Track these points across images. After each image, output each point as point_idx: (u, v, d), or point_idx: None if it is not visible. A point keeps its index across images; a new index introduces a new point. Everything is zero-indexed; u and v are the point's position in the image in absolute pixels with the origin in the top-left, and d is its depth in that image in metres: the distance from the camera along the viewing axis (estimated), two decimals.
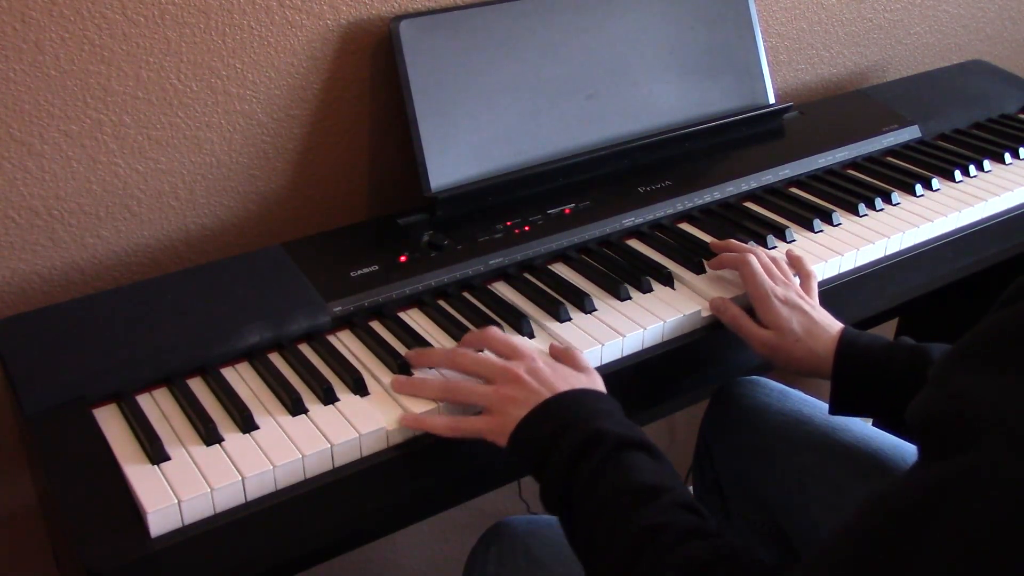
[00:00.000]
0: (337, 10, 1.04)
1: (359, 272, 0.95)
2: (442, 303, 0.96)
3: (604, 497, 0.69)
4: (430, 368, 0.86)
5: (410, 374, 0.85)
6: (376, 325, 0.92)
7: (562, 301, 0.95)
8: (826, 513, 1.01)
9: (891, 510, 0.50)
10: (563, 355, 0.85)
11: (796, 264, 0.99)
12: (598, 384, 0.82)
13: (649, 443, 0.73)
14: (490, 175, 1.08)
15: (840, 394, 0.89)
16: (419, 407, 0.81)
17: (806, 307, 0.92)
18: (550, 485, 0.73)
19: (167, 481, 0.73)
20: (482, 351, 0.85)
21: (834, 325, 0.91)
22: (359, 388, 0.83)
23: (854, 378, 0.88)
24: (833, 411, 0.91)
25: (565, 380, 0.79)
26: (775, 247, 1.06)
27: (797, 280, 0.98)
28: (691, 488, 1.22)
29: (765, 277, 0.94)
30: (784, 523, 1.06)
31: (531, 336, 0.91)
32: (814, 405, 1.10)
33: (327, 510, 0.78)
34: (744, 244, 1.03)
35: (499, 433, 0.77)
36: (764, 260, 0.97)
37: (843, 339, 0.89)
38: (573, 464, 0.71)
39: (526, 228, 1.04)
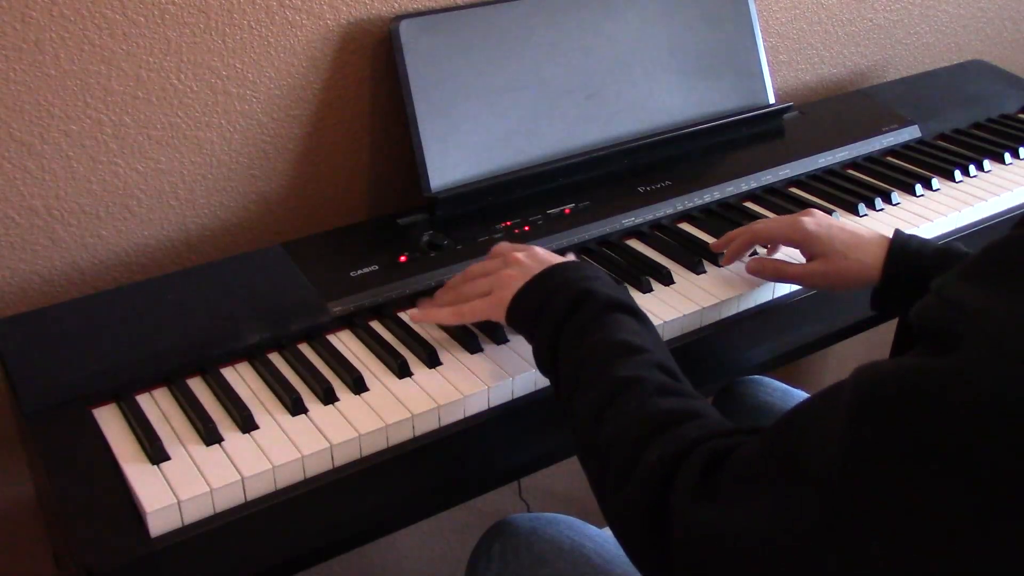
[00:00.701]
0: (337, 10, 1.04)
1: (359, 272, 0.95)
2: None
3: (587, 350, 0.72)
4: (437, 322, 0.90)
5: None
6: (376, 325, 0.92)
7: None
8: None
9: (881, 389, 0.52)
10: None
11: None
12: None
13: (636, 307, 0.76)
14: (490, 175, 1.08)
15: (884, 291, 0.89)
16: (423, 407, 0.81)
17: (839, 223, 0.94)
18: (541, 343, 0.76)
19: (167, 481, 0.73)
20: None
21: (875, 233, 0.92)
22: (359, 388, 0.83)
23: (902, 277, 0.88)
24: (874, 305, 0.91)
25: (560, 259, 0.83)
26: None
27: None
28: None
29: (782, 218, 0.95)
30: None
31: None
32: None
33: (327, 510, 0.78)
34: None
35: (498, 309, 0.82)
36: (767, 219, 0.99)
37: (895, 242, 0.90)
38: (563, 321, 0.75)
39: (526, 228, 1.04)
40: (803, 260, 0.95)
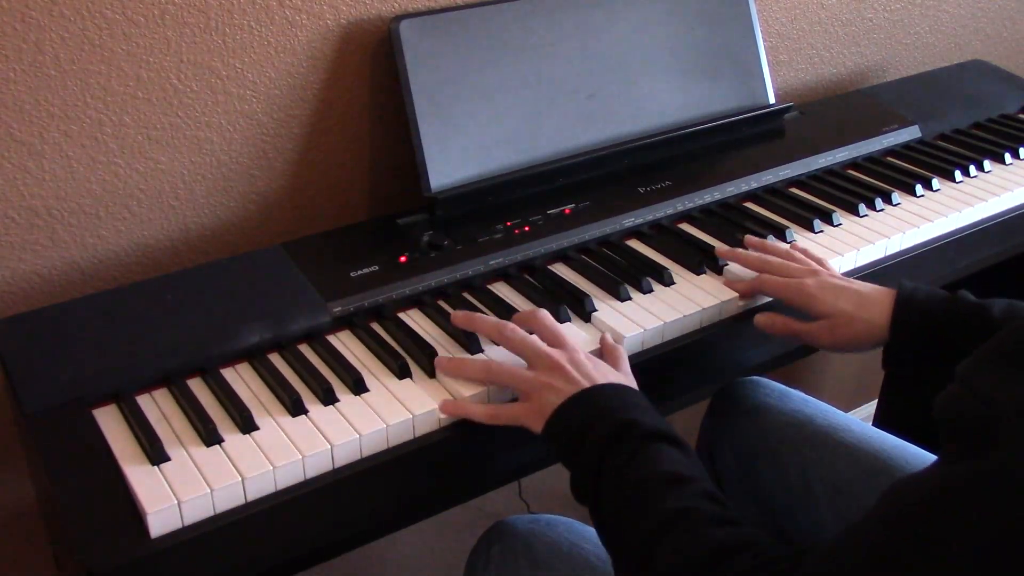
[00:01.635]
0: (337, 10, 1.04)
1: (359, 272, 0.95)
2: (442, 303, 0.96)
3: (633, 484, 0.70)
4: (472, 331, 0.88)
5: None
6: (376, 325, 0.92)
7: (561, 301, 0.95)
8: (826, 513, 1.01)
9: (915, 502, 0.51)
10: (609, 352, 0.86)
11: (804, 253, 1.00)
12: (633, 386, 0.83)
13: (679, 438, 0.75)
14: (490, 175, 1.08)
15: (895, 348, 0.88)
16: (423, 408, 0.81)
17: (844, 283, 0.92)
18: (581, 472, 0.74)
19: (167, 482, 0.73)
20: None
21: (881, 289, 0.91)
22: (359, 388, 0.83)
23: (911, 332, 0.87)
24: (885, 364, 0.90)
25: (604, 376, 0.81)
26: None
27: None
28: None
29: (789, 280, 0.94)
30: (785, 523, 1.06)
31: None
32: (815, 405, 1.10)
33: (327, 510, 0.78)
34: (751, 248, 1.02)
35: (536, 419, 0.78)
36: (777, 263, 0.97)
37: (900, 294, 0.88)
38: (604, 451, 0.73)
39: (526, 228, 1.04)
40: None
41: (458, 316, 0.88)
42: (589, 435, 0.74)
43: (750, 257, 0.99)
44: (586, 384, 0.78)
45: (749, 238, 1.04)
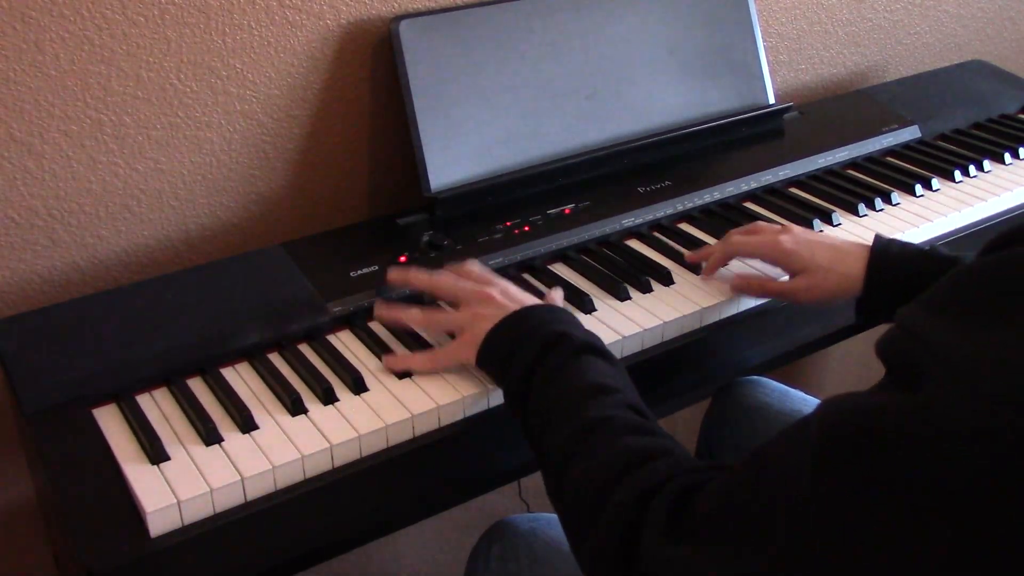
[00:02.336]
0: (337, 10, 1.04)
1: (359, 272, 0.95)
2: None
3: (559, 391, 0.72)
4: (410, 290, 0.92)
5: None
6: (376, 325, 0.92)
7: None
8: None
9: (850, 425, 0.52)
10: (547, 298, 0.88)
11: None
12: None
13: (609, 352, 0.77)
14: (490, 175, 1.08)
15: (868, 300, 0.89)
16: (423, 407, 0.81)
17: (817, 238, 0.93)
18: (512, 383, 0.76)
19: (167, 481, 0.73)
20: None
21: (855, 242, 0.92)
22: (359, 388, 0.83)
23: (885, 284, 0.88)
24: (859, 316, 0.91)
25: (535, 300, 0.83)
26: None
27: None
28: None
29: (762, 237, 0.95)
30: None
31: None
32: (814, 405, 1.09)
33: (327, 510, 0.78)
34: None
35: (470, 350, 0.80)
36: (743, 228, 0.99)
37: (875, 248, 0.89)
38: (535, 363, 0.74)
39: (526, 228, 1.04)
40: (786, 277, 0.95)
41: (392, 273, 0.90)
42: (519, 349, 0.76)
43: (715, 246, 0.99)
44: (516, 307, 0.80)
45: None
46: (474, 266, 0.89)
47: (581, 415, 0.69)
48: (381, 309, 0.89)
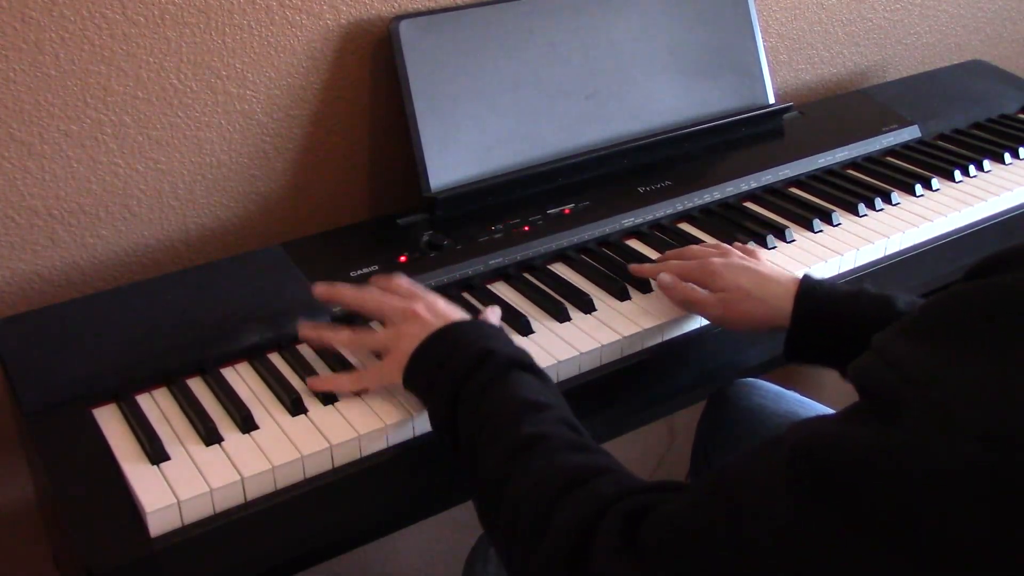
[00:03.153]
0: (337, 10, 1.04)
1: (359, 272, 0.95)
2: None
3: (488, 410, 0.70)
4: (337, 307, 0.89)
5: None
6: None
7: (562, 301, 0.95)
8: None
9: (823, 450, 0.51)
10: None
11: (741, 248, 0.98)
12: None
13: (536, 367, 0.75)
14: (490, 175, 1.08)
15: (797, 339, 0.86)
16: (422, 407, 0.81)
17: (751, 264, 0.91)
18: (437, 403, 0.73)
19: (167, 481, 0.73)
20: None
21: (786, 275, 0.90)
22: None
23: (814, 323, 0.86)
24: (788, 357, 0.88)
25: (461, 315, 0.81)
26: (775, 247, 1.06)
27: None
28: None
29: (689, 261, 0.94)
30: None
31: (530, 338, 0.91)
32: (810, 407, 1.09)
33: (327, 510, 0.78)
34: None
35: (396, 370, 0.78)
36: (693, 249, 0.98)
37: (803, 285, 0.87)
38: (462, 381, 0.72)
39: (526, 228, 1.04)
40: None
41: (319, 288, 0.87)
42: (446, 366, 0.73)
43: (652, 267, 0.97)
44: (440, 324, 0.78)
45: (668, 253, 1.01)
46: (402, 281, 0.86)
47: (514, 433, 0.66)
48: (305, 329, 0.85)
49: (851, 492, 0.49)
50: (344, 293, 0.87)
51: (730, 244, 1.04)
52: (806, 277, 0.88)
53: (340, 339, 0.84)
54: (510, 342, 0.77)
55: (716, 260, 0.92)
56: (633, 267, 0.99)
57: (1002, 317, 0.48)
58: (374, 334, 0.84)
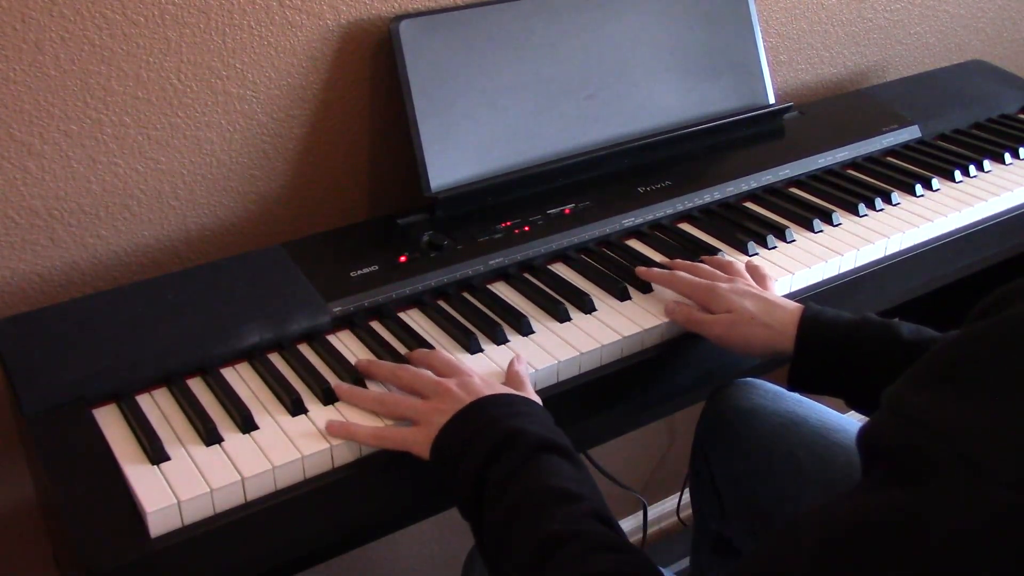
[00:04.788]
0: (337, 10, 1.04)
1: (359, 272, 0.95)
2: (442, 303, 0.96)
3: (516, 499, 0.67)
4: (370, 378, 0.84)
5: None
6: (376, 325, 0.92)
7: (562, 301, 0.95)
8: None
9: (845, 532, 0.48)
10: (511, 379, 0.83)
11: (752, 270, 0.98)
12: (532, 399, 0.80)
13: (569, 449, 0.71)
14: (490, 175, 1.08)
15: (801, 368, 0.86)
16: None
17: (756, 291, 0.90)
18: (463, 484, 0.70)
19: (167, 481, 0.73)
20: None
21: (790, 302, 0.89)
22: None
23: (818, 351, 0.85)
24: (792, 385, 0.88)
25: (493, 388, 0.77)
26: (775, 247, 1.06)
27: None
28: (688, 490, 1.22)
29: (700, 279, 0.93)
30: (779, 525, 1.06)
31: (530, 338, 0.91)
32: (808, 406, 1.09)
33: (327, 510, 0.78)
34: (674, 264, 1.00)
35: (423, 444, 0.75)
36: (703, 268, 0.96)
37: (806, 312, 0.87)
38: (487, 462, 0.69)
39: (526, 228, 1.04)
40: None
41: (360, 363, 0.85)
42: (471, 448, 0.70)
43: (661, 273, 0.97)
44: (470, 400, 0.75)
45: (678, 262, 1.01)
46: (440, 354, 0.84)
47: (545, 528, 0.63)
48: (341, 391, 0.82)
49: (890, 563, 0.46)
50: (381, 369, 0.83)
51: (744, 244, 1.04)
52: (809, 305, 0.88)
53: (374, 399, 0.80)
54: (544, 417, 0.75)
55: (723, 284, 0.91)
56: (640, 270, 0.99)
57: (1016, 352, 0.46)
58: (408, 401, 0.79)
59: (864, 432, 0.51)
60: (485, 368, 0.85)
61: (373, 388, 0.83)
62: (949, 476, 0.45)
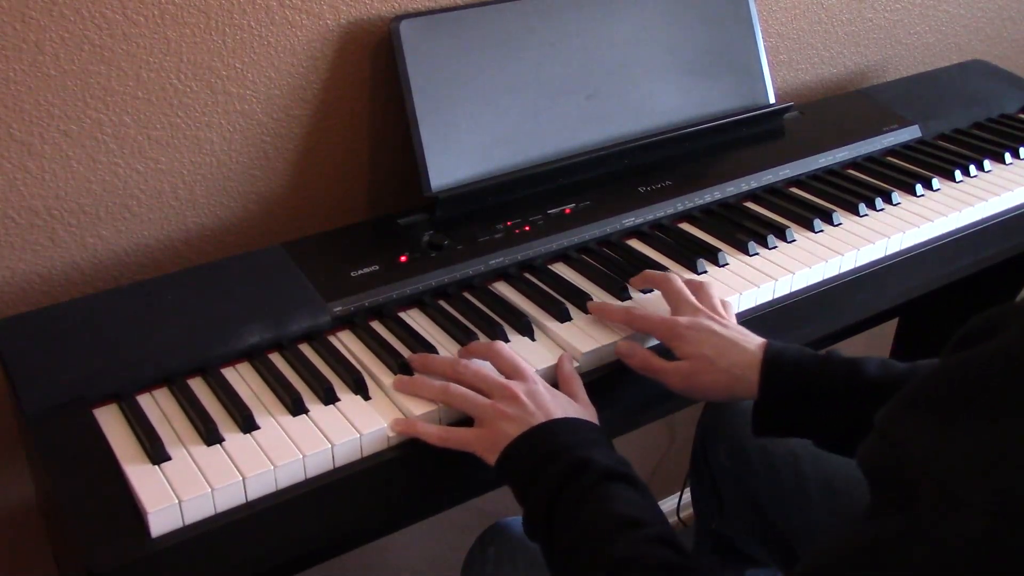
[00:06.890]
0: (337, 10, 1.04)
1: (359, 272, 0.95)
2: (442, 303, 0.96)
3: (584, 525, 0.69)
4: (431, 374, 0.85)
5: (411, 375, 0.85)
6: (376, 325, 0.92)
7: (562, 301, 0.95)
8: (820, 513, 1.01)
9: (841, 559, 0.50)
10: (565, 381, 0.84)
11: (703, 295, 0.91)
12: (592, 418, 0.81)
13: (635, 477, 0.73)
14: (490, 175, 1.08)
15: (765, 411, 0.83)
16: (418, 409, 0.81)
17: (716, 327, 0.85)
18: (534, 509, 0.73)
19: (168, 481, 0.73)
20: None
21: (752, 341, 0.84)
22: (359, 388, 0.83)
23: (783, 394, 0.81)
24: (756, 431, 0.84)
25: (562, 408, 0.79)
26: (775, 247, 1.06)
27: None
28: (688, 490, 1.22)
29: (662, 317, 0.89)
30: (780, 524, 1.06)
31: (531, 338, 0.91)
32: None
33: (327, 510, 0.78)
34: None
35: (489, 448, 0.77)
36: (671, 293, 0.91)
37: (768, 353, 0.82)
38: (557, 490, 0.71)
39: (526, 228, 1.04)
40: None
41: (413, 359, 0.85)
42: (543, 473, 0.73)
43: (619, 310, 0.92)
44: (542, 417, 0.77)
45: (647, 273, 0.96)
46: (502, 349, 0.84)
47: (609, 552, 0.66)
48: (397, 426, 0.80)
49: None
50: (438, 363, 0.84)
51: (745, 244, 1.02)
52: (770, 344, 0.83)
53: (430, 434, 0.79)
54: (609, 446, 0.76)
55: (682, 321, 0.86)
56: (593, 307, 0.93)
57: (995, 382, 0.47)
58: (473, 400, 0.80)
59: (860, 455, 0.53)
60: (487, 369, 0.85)
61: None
62: (928, 503, 0.46)
